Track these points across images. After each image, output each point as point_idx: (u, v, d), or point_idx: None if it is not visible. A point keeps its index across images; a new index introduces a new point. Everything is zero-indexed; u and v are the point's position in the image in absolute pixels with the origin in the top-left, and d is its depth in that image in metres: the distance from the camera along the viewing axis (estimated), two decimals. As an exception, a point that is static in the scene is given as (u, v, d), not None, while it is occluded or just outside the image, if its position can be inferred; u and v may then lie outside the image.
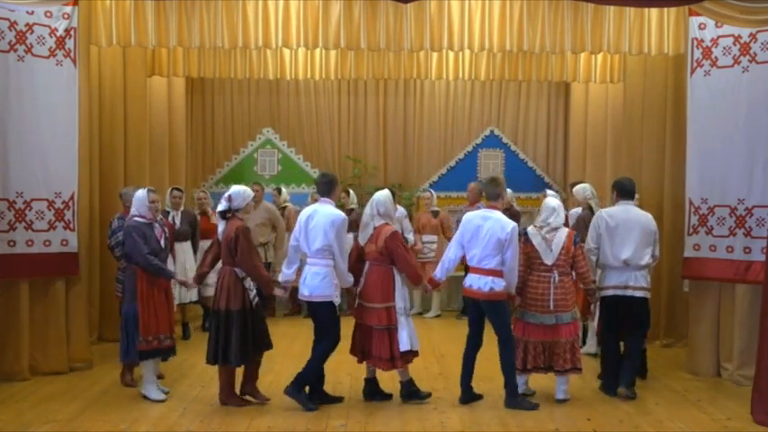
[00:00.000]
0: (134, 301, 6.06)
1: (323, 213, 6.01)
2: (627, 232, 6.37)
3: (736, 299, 6.89)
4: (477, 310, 6.12)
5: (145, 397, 6.12)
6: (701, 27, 7.12)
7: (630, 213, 6.45)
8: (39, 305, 7.00)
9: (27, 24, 6.81)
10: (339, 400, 6.18)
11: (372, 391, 6.23)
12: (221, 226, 6.00)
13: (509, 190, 9.95)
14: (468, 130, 11.40)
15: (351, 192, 10.13)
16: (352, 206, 10.05)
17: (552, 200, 6.38)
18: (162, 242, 6.19)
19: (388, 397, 6.23)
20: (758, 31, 6.75)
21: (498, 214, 6.03)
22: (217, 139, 11.33)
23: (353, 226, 9.99)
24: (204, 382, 6.65)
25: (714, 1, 6.76)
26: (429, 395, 6.18)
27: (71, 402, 6.12)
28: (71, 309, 7.22)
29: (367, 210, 6.15)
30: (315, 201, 10.11)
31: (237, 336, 5.83)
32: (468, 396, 6.16)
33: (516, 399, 6.04)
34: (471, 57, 9.79)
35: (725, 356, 7.02)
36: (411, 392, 6.14)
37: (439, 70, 9.94)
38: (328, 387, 6.43)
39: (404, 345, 5.96)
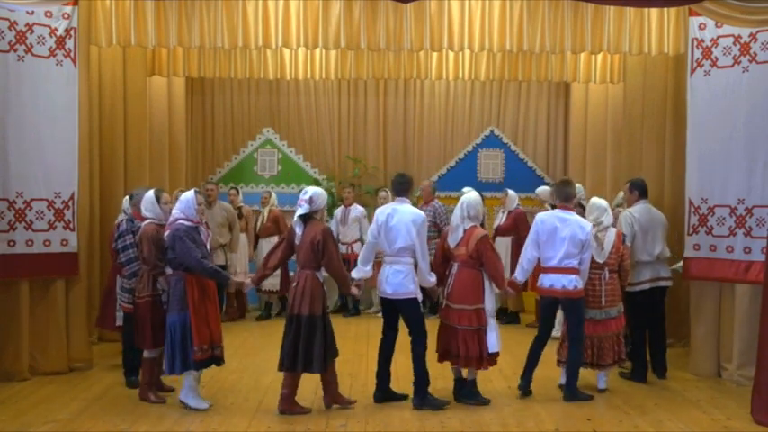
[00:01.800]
0: (183, 311, 5.77)
1: (404, 212, 5.99)
2: (655, 229, 6.93)
3: (736, 299, 6.89)
4: (552, 309, 6.35)
5: (186, 405, 5.90)
6: (701, 27, 7.12)
7: (652, 212, 7.03)
8: (39, 305, 7.00)
9: (27, 24, 6.81)
10: (404, 397, 6.18)
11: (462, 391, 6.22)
12: (299, 229, 5.87)
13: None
14: (468, 130, 11.41)
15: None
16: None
17: (600, 199, 6.66)
18: (208, 246, 6.08)
19: (486, 401, 6.19)
20: (758, 31, 6.75)
21: (576, 216, 6.22)
22: (217, 139, 11.33)
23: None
24: (203, 382, 6.63)
25: (714, 1, 6.76)
26: (489, 401, 6.16)
27: (71, 402, 6.12)
28: (71, 309, 7.23)
29: (457, 212, 6.12)
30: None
31: (320, 341, 5.76)
32: (527, 389, 6.31)
33: (576, 391, 6.21)
34: (471, 57, 9.79)
35: (725, 356, 7.02)
36: (472, 393, 6.16)
37: (439, 70, 9.94)
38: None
39: (492, 346, 6.02)
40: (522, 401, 6.19)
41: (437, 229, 9.82)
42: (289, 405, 5.82)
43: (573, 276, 6.13)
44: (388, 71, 9.90)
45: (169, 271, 5.97)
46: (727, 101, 6.92)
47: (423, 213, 6.07)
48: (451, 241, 6.12)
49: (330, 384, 5.97)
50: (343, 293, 6.24)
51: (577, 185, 8.25)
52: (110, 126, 8.36)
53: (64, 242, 7.08)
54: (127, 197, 6.80)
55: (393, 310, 6.12)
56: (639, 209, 6.96)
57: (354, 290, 6.14)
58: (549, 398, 6.31)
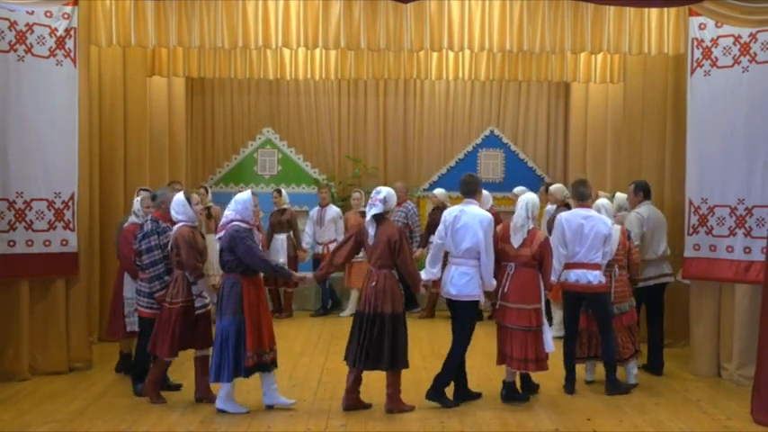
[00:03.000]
0: (238, 314, 5.65)
1: (471, 214, 6.01)
2: (660, 229, 7.23)
3: (736, 299, 6.89)
4: (576, 305, 6.46)
5: (223, 411, 5.78)
6: (701, 27, 7.12)
7: (656, 212, 7.31)
8: (39, 305, 6.99)
9: (27, 24, 6.81)
10: (479, 396, 6.25)
11: (511, 395, 6.20)
12: (372, 229, 5.85)
13: (442, 189, 10.07)
14: (468, 130, 11.42)
15: (283, 191, 10.07)
16: (285, 206, 9.95)
17: (604, 199, 6.81)
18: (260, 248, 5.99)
19: (527, 399, 6.22)
20: (758, 31, 6.75)
21: (596, 213, 6.42)
22: (217, 139, 11.34)
23: (285, 226, 9.91)
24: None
25: (714, 1, 6.76)
26: (528, 399, 6.22)
27: (71, 402, 6.12)
28: (71, 309, 7.22)
29: (522, 213, 6.13)
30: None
31: (404, 338, 5.83)
32: (573, 386, 6.43)
33: (617, 383, 6.38)
34: (471, 57, 9.79)
35: (725, 356, 7.02)
36: (512, 395, 6.20)
37: (439, 70, 9.94)
38: (328, 387, 6.44)
39: (549, 346, 6.09)
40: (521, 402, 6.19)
41: (409, 229, 9.86)
42: (395, 404, 5.86)
43: (597, 272, 6.29)
44: (388, 71, 9.91)
45: (210, 274, 5.84)
46: (727, 101, 6.91)
47: (490, 215, 6.08)
48: (515, 242, 6.11)
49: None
50: (414, 293, 6.21)
51: (559, 185, 8.60)
52: (110, 126, 8.35)
53: (64, 242, 7.08)
54: (138, 198, 6.66)
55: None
56: (646, 209, 7.16)
57: (423, 290, 6.14)
58: (550, 398, 6.31)
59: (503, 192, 10.83)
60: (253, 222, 5.89)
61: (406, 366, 5.90)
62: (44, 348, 6.99)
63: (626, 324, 6.59)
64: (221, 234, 5.81)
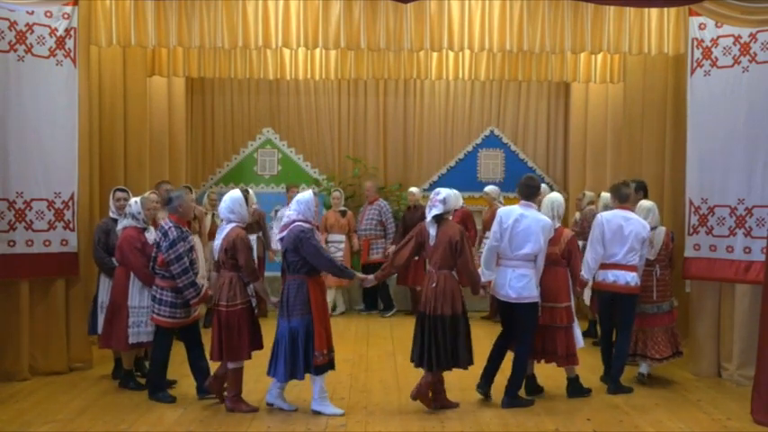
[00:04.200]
0: (306, 315, 5.65)
1: (533, 218, 6.00)
2: None
3: (736, 299, 6.90)
4: (610, 304, 6.54)
5: (319, 413, 5.80)
6: (701, 27, 7.13)
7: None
8: (39, 305, 7.00)
9: (27, 24, 6.82)
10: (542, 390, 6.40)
11: (534, 387, 6.42)
12: (433, 230, 5.87)
13: (416, 188, 10.35)
14: (468, 130, 11.41)
15: (251, 192, 9.84)
16: (253, 206, 9.68)
17: (646, 201, 6.82)
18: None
19: (532, 402, 6.24)
20: (758, 31, 6.76)
21: (636, 215, 6.49)
22: (217, 139, 11.33)
23: (255, 227, 9.58)
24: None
25: (714, 1, 6.77)
26: (590, 391, 6.35)
27: (71, 402, 6.12)
28: (71, 309, 7.23)
29: (548, 212, 6.21)
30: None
31: (464, 338, 5.86)
32: (619, 387, 6.50)
33: (619, 385, 6.45)
34: (471, 57, 9.80)
35: (725, 356, 7.03)
36: (576, 389, 6.31)
37: (439, 70, 9.95)
38: (327, 387, 6.43)
39: (580, 342, 6.19)
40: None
41: (382, 227, 9.88)
42: (422, 395, 5.89)
43: (634, 273, 6.39)
44: (388, 71, 9.92)
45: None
46: (727, 101, 6.92)
47: (549, 220, 6.09)
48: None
49: (439, 388, 6.00)
50: (474, 293, 6.22)
51: (543, 186, 8.56)
52: (110, 126, 8.35)
53: (64, 242, 7.08)
54: (136, 200, 6.43)
55: (513, 313, 6.16)
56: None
57: (482, 292, 6.15)
58: (550, 398, 6.31)
59: (504, 192, 10.82)
60: (314, 222, 5.85)
61: (469, 365, 5.93)
62: (44, 348, 7.00)
63: (668, 324, 6.67)
64: (283, 234, 5.77)
